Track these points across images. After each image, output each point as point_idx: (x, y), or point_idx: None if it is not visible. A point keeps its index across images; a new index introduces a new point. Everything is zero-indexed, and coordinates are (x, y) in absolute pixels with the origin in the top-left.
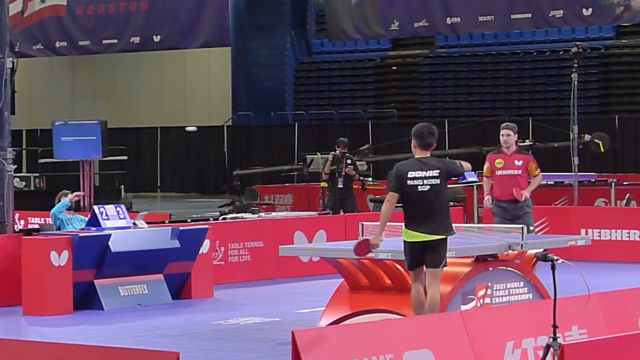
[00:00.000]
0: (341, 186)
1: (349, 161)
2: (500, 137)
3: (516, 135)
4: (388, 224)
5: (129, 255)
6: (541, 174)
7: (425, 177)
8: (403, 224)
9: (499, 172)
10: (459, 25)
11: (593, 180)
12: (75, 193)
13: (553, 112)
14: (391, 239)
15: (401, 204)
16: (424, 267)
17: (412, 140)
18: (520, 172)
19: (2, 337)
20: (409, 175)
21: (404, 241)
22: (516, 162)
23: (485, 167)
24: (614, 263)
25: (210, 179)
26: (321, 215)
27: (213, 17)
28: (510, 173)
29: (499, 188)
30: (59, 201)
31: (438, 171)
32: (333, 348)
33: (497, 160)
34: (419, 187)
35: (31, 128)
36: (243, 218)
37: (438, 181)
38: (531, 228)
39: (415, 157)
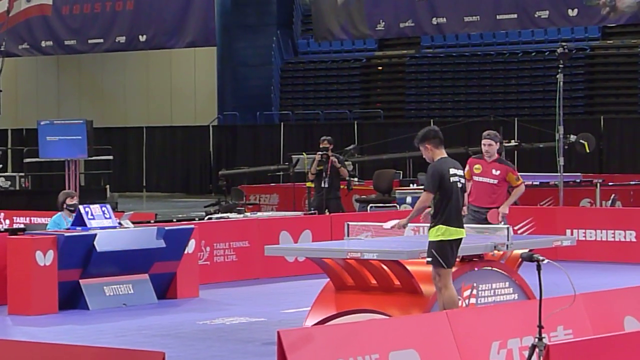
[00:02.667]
0: (326, 186)
1: (334, 158)
2: (482, 147)
3: (498, 144)
4: (372, 223)
5: (114, 255)
6: (523, 185)
7: (460, 175)
8: (435, 224)
9: (475, 178)
10: (444, 26)
11: (578, 180)
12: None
13: (539, 113)
14: (376, 239)
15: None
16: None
17: (429, 144)
18: (496, 181)
19: None
20: (450, 172)
21: (443, 240)
22: (494, 171)
23: (465, 170)
24: (599, 263)
25: (196, 179)
26: (307, 215)
27: (199, 17)
28: (485, 181)
29: (474, 193)
30: (64, 201)
31: (462, 171)
32: (319, 348)
33: (476, 166)
34: (458, 183)
35: (17, 127)
36: (229, 218)
37: (464, 180)
38: None
39: (442, 157)
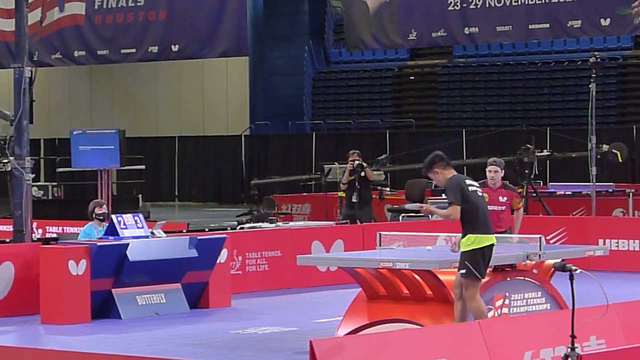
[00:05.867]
0: (355, 200)
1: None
2: (487, 173)
3: (503, 171)
4: (404, 233)
5: (146, 265)
6: (522, 209)
7: (476, 186)
8: (464, 234)
9: None
10: (477, 35)
11: (611, 190)
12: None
13: (571, 122)
14: (409, 248)
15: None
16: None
17: (437, 167)
18: (503, 208)
19: (21, 345)
20: (467, 183)
21: (474, 250)
22: (501, 198)
23: None
24: (632, 273)
25: (228, 189)
26: (339, 224)
27: (231, 26)
28: (493, 209)
29: None
30: (92, 211)
31: (477, 184)
32: (351, 358)
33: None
34: (477, 192)
35: (49, 137)
36: (261, 227)
37: (481, 192)
38: None
39: (454, 174)
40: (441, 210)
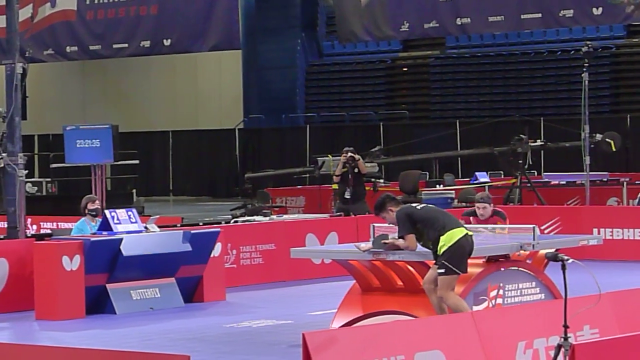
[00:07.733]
0: (348, 197)
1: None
2: (477, 210)
3: (491, 205)
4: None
5: (140, 259)
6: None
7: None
8: (435, 242)
9: None
10: (469, 26)
11: (605, 179)
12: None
13: (564, 112)
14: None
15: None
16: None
17: (390, 206)
18: None
19: (15, 342)
20: (413, 205)
21: (449, 247)
22: None
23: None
24: (626, 262)
25: (222, 182)
26: (333, 217)
27: (223, 20)
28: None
29: None
30: (85, 206)
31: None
32: (344, 350)
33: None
34: (427, 205)
35: (43, 133)
36: (255, 221)
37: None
38: None
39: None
40: (401, 243)
